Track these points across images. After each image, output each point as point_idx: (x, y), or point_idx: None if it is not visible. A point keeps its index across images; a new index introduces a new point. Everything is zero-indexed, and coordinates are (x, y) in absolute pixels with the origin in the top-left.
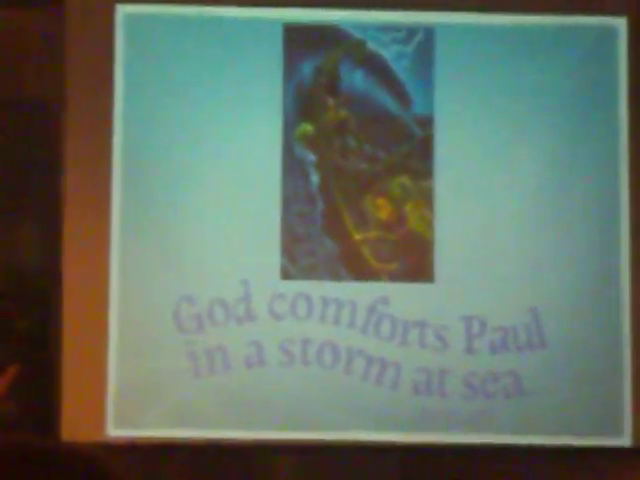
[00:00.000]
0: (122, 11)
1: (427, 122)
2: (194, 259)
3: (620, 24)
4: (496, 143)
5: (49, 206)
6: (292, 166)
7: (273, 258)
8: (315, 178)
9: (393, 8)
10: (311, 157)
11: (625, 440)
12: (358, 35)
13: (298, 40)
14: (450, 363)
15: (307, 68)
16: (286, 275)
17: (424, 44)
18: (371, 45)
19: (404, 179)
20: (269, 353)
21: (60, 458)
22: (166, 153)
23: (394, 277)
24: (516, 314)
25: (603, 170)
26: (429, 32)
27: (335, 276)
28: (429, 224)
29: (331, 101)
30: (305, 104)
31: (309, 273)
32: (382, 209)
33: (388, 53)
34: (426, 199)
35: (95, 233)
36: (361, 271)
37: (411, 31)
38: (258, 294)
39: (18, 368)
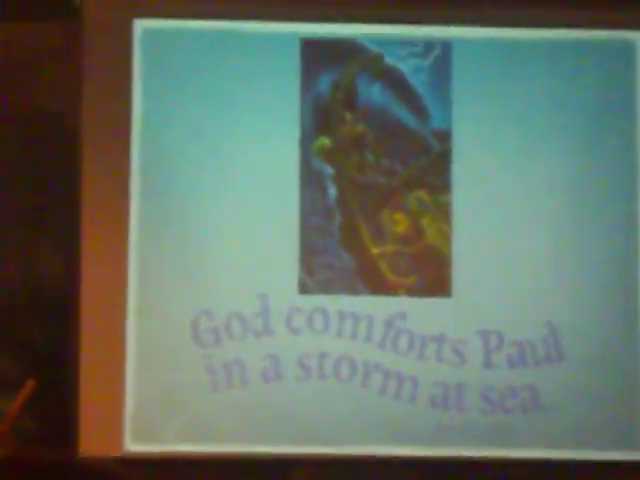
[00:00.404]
0: (140, 26)
1: (445, 136)
2: (212, 273)
3: (638, 38)
4: (513, 157)
5: (67, 219)
6: (309, 179)
7: (291, 272)
8: (332, 191)
9: (411, 23)
10: (328, 170)
11: None
12: (375, 49)
13: (315, 54)
14: (467, 377)
15: (324, 82)
16: (303, 289)
17: (441, 58)
18: (388, 59)
19: (421, 193)
20: (286, 367)
21: (77, 473)
22: (184, 167)
23: (411, 291)
24: (534, 328)
25: (621, 183)
26: (446, 46)
27: (352, 290)
28: (446, 238)
29: (348, 115)
30: (322, 118)
31: (326, 287)
32: (399, 223)
33: (405, 67)
34: (443, 213)
35: (113, 246)
36: (378, 285)
37: (429, 45)
38: (276, 308)
39: (35, 383)
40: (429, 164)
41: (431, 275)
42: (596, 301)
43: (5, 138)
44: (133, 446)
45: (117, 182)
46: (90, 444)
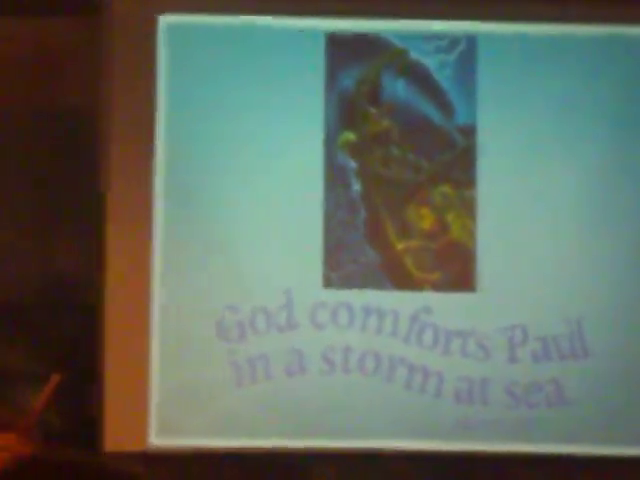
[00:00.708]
0: (164, 21)
1: (469, 131)
2: (236, 268)
3: None
4: (539, 152)
5: (91, 216)
6: (334, 174)
7: (315, 267)
8: (357, 186)
9: (436, 18)
10: (353, 165)
11: None
12: (400, 44)
13: (340, 49)
14: (492, 372)
15: (349, 77)
16: (328, 283)
17: (467, 53)
18: (413, 54)
19: (446, 188)
20: (310, 361)
21: (102, 474)
22: (208, 162)
23: (436, 287)
24: (558, 323)
25: None
26: (472, 41)
27: (377, 285)
28: (471, 233)
29: (373, 110)
30: (347, 113)
31: (351, 282)
32: (424, 218)
33: (431, 62)
34: (468, 208)
35: (137, 242)
36: (403, 280)
37: (454, 40)
38: (300, 302)
39: (60, 377)
40: (454, 159)
41: (456, 270)
42: (621, 296)
43: (29, 135)
44: (158, 440)
45: (141, 179)
46: (115, 439)
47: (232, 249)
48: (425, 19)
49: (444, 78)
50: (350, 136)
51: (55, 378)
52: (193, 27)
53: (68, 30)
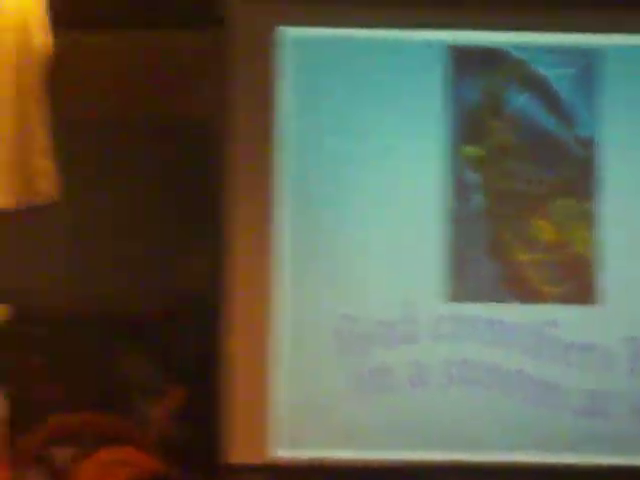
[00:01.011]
0: (284, 33)
1: (590, 143)
2: (358, 280)
3: None
4: None
5: (214, 226)
6: (457, 187)
7: (437, 280)
8: (479, 200)
9: (557, 30)
10: (476, 179)
11: None
12: (522, 56)
13: (463, 61)
14: (615, 385)
15: (472, 90)
16: (450, 297)
17: (589, 66)
18: (535, 67)
19: (568, 201)
20: (432, 374)
21: None
22: (331, 173)
23: (559, 299)
24: None
25: None
26: (594, 54)
27: (499, 298)
28: (593, 246)
29: (496, 123)
30: (470, 126)
31: (473, 295)
32: (546, 231)
33: (552, 75)
34: (589, 221)
35: (260, 254)
36: (526, 293)
37: (576, 53)
38: (422, 315)
39: (184, 392)
40: (575, 172)
41: (578, 283)
42: None
43: (152, 145)
44: (281, 452)
45: (263, 188)
46: (237, 451)
47: (354, 262)
48: (547, 32)
49: (565, 90)
50: (473, 150)
51: (178, 392)
52: (313, 38)
53: (191, 42)
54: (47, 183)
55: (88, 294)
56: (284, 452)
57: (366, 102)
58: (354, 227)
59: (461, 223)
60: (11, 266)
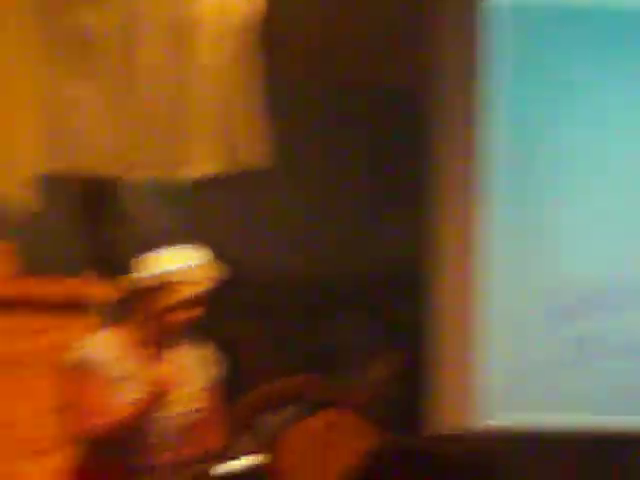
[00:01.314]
0: (489, 2)
1: None
2: (566, 247)
3: None
4: None
5: (420, 197)
6: None
7: None
8: None
9: None
10: None
11: None
12: None
13: None
14: None
15: None
16: None
17: None
18: None
19: None
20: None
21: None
22: (539, 146)
23: None
24: None
25: None
26: None
27: None
28: None
29: None
30: None
31: None
32: None
33: None
34: None
35: (466, 222)
36: None
37: None
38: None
39: (403, 355)
40: None
41: None
42: None
43: (356, 116)
44: (493, 419)
45: (468, 163)
46: (449, 418)
47: (562, 229)
48: None
49: None
50: None
51: (397, 355)
52: (521, 8)
53: (397, 12)
54: (257, 149)
55: (307, 259)
56: (497, 419)
57: (583, 77)
58: (560, 203)
59: None
60: (227, 232)
